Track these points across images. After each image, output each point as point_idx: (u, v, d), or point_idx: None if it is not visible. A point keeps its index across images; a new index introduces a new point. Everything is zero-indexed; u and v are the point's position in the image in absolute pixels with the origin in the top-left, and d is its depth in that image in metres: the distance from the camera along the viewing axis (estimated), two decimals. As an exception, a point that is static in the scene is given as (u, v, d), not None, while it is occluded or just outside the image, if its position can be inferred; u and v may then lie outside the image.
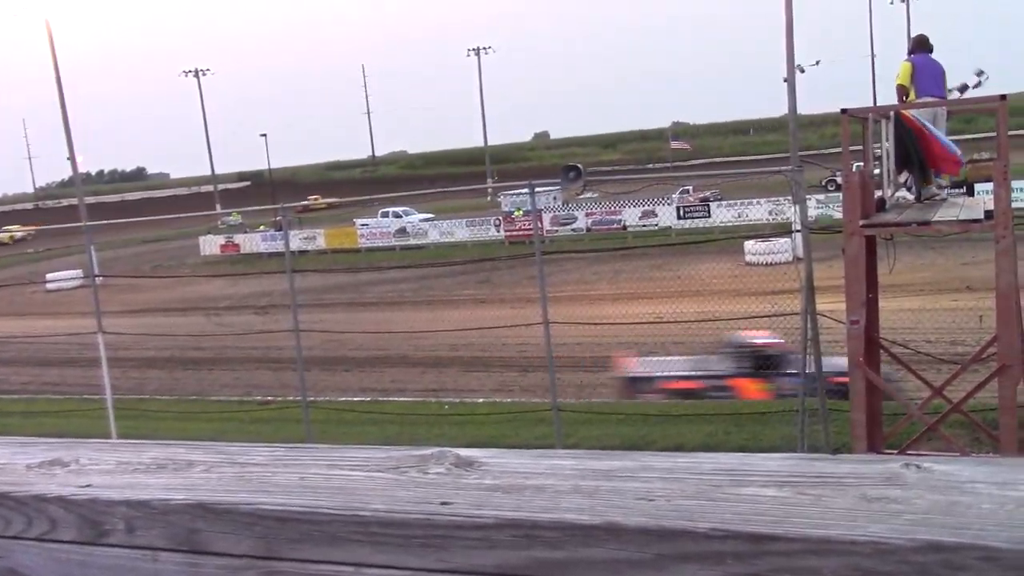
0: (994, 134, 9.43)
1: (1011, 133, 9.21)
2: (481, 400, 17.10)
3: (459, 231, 46.20)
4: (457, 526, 0.72)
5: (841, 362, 10.45)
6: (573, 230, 43.29)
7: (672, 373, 15.97)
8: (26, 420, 17.64)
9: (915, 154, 9.71)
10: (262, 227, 51.51)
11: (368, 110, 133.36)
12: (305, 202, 65.46)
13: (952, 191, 11.45)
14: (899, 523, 0.64)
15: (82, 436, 1.17)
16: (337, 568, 0.76)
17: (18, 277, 43.66)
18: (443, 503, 0.75)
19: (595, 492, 0.73)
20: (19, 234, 70.23)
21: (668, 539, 0.67)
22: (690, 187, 47.11)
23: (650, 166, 78.53)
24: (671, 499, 0.71)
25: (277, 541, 0.79)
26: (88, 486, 0.90)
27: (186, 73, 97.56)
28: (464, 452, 0.85)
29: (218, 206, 78.23)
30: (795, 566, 0.63)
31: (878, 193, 9.93)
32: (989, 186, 10.10)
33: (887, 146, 10.03)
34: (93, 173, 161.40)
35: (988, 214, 8.93)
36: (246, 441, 1.00)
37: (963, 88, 12.31)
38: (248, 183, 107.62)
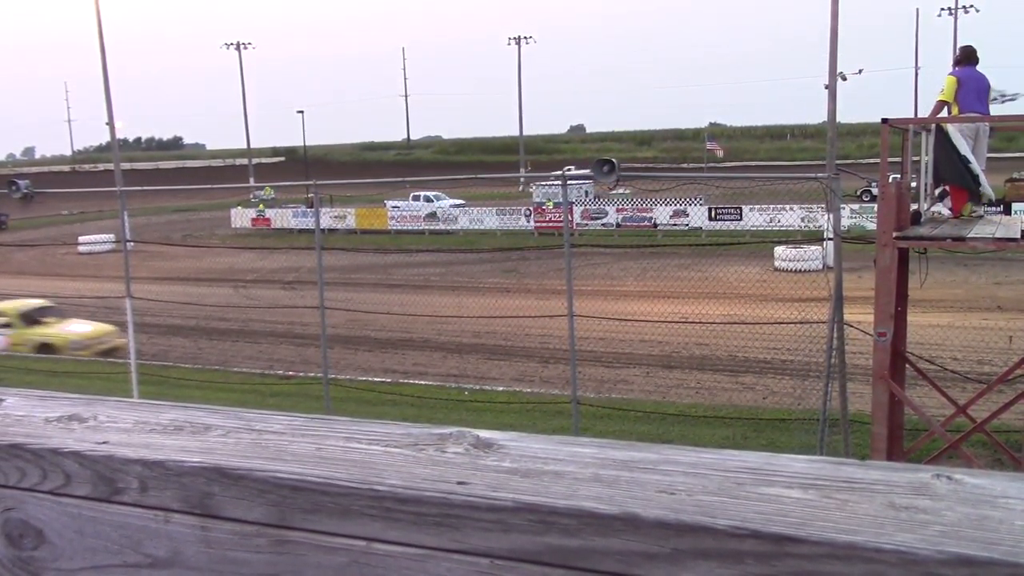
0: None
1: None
2: (501, 388, 17.11)
3: (489, 219, 46.22)
4: (473, 507, 0.71)
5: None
6: (603, 225, 43.21)
7: None
8: (51, 379, 17.84)
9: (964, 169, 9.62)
10: (258, 205, 51.70)
11: (406, 93, 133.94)
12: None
13: (989, 209, 11.29)
14: (928, 534, 0.62)
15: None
16: (349, 542, 0.76)
17: (51, 238, 44.12)
18: (460, 483, 0.74)
19: (615, 482, 0.72)
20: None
21: (687, 534, 0.65)
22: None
23: (684, 165, 78.20)
24: (692, 494, 0.69)
25: (290, 510, 0.78)
26: (105, 443, 0.89)
27: (228, 46, 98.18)
28: (483, 434, 0.84)
29: (252, 179, 78.74)
30: (817, 570, 0.62)
31: (914, 206, 9.83)
32: (1028, 206, 9.97)
33: (926, 159, 9.93)
34: (131, 140, 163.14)
35: (1025, 234, 8.81)
36: None
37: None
38: (283, 159, 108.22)
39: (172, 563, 0.84)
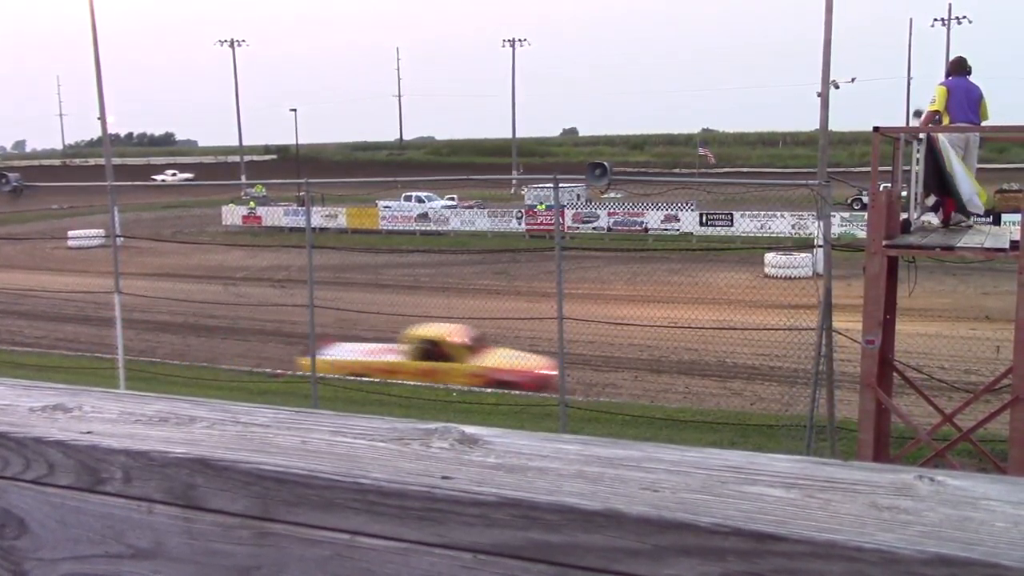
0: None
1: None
2: (489, 390, 17.10)
3: (480, 220, 46.18)
4: (456, 501, 0.71)
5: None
6: (594, 228, 43.23)
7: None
8: (38, 373, 17.74)
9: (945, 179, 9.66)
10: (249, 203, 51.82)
11: (399, 93, 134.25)
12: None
13: (978, 219, 11.34)
14: (909, 534, 0.62)
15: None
16: (332, 534, 0.75)
17: (41, 231, 43.95)
18: (444, 477, 0.74)
19: (599, 478, 0.72)
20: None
21: (669, 531, 0.65)
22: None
23: (676, 170, 78.28)
24: (675, 491, 0.70)
25: (274, 502, 0.78)
26: (89, 433, 0.89)
27: (221, 43, 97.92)
28: (469, 429, 0.84)
29: (243, 177, 78.55)
30: (798, 568, 0.62)
31: (904, 215, 9.87)
32: (1016, 216, 9.99)
33: (916, 168, 9.96)
34: (122, 135, 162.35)
35: (1014, 244, 8.86)
36: None
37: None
38: (275, 157, 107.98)
39: (155, 554, 0.83)
